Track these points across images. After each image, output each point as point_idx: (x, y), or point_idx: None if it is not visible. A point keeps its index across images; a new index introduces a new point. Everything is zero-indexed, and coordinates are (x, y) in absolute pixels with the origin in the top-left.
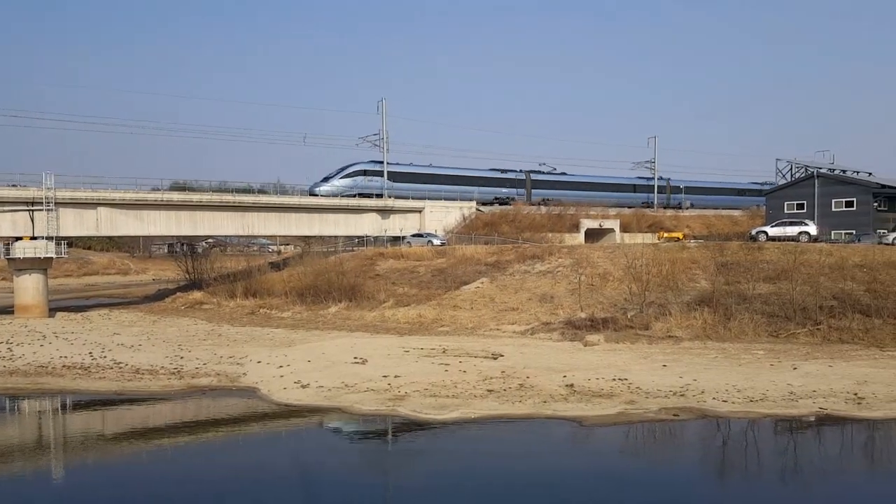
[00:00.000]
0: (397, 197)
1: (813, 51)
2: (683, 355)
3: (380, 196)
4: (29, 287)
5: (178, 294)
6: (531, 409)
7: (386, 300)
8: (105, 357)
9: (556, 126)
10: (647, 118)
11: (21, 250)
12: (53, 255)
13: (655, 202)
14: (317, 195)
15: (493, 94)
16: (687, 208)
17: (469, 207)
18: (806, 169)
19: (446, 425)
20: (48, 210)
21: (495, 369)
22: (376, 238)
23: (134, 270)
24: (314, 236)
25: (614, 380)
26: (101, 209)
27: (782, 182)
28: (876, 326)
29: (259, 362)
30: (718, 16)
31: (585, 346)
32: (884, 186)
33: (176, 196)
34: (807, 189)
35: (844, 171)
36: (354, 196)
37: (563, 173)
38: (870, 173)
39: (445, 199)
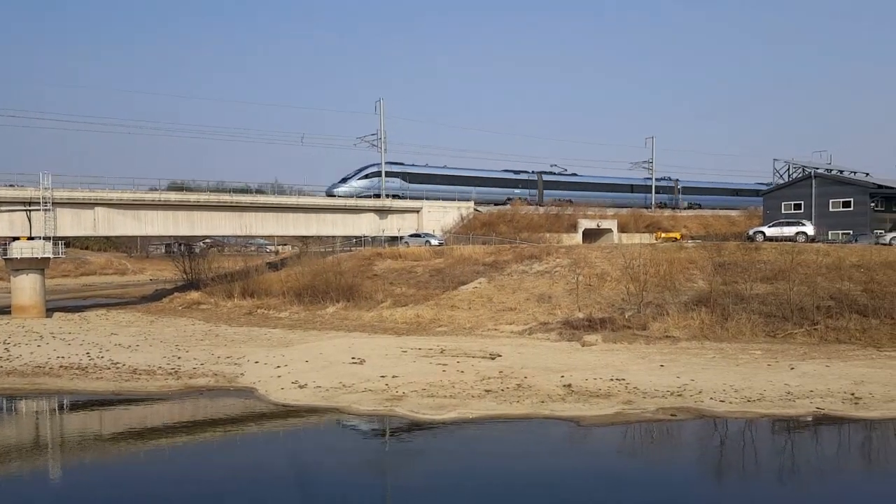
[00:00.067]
0: (413, 197)
1: (813, 51)
2: (681, 355)
3: (395, 196)
4: (26, 287)
5: (175, 294)
6: (529, 409)
7: (384, 300)
8: (102, 357)
9: (556, 126)
10: (647, 118)
11: (18, 250)
12: (51, 256)
13: (653, 202)
14: (335, 196)
15: (493, 94)
16: (697, 209)
17: (467, 207)
18: (803, 169)
19: (444, 425)
20: (45, 210)
21: (493, 369)
22: (374, 238)
23: (131, 270)
24: (312, 236)
25: (612, 380)
26: (98, 209)
27: (779, 182)
28: (873, 326)
29: (256, 362)
30: (718, 16)
31: (583, 346)
32: (881, 187)
33: (173, 196)
34: (804, 189)
35: (841, 172)
36: (371, 196)
37: (574, 174)
38: (867, 173)
39: (459, 199)
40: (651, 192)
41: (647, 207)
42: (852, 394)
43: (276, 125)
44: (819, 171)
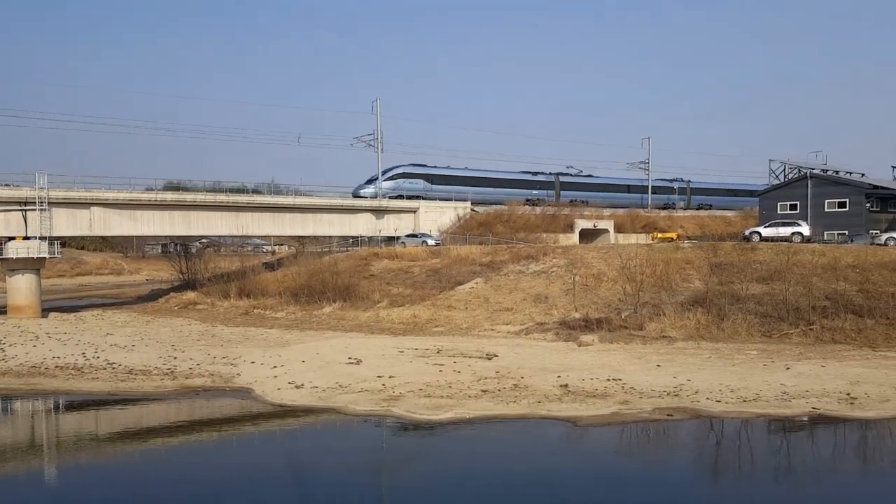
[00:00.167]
0: (437, 198)
1: (812, 51)
2: (677, 355)
3: (419, 197)
4: (22, 287)
5: (171, 294)
6: (526, 409)
7: (380, 300)
8: (98, 357)
9: (556, 126)
10: (647, 118)
11: (14, 250)
12: (46, 256)
13: (650, 202)
14: (362, 196)
15: (493, 94)
16: (708, 209)
17: (464, 208)
18: (799, 170)
19: (441, 425)
20: (41, 210)
21: (490, 369)
22: (371, 238)
23: (127, 270)
24: (308, 236)
25: (608, 380)
26: (94, 209)
27: (775, 182)
28: (868, 327)
29: (253, 363)
30: (718, 16)
31: (580, 346)
32: (876, 187)
33: (170, 196)
34: (800, 190)
35: (837, 172)
36: (396, 198)
37: (590, 175)
38: (862, 174)
39: (478, 201)
40: (671, 194)
41: (666, 207)
42: (848, 394)
43: (276, 125)
44: (815, 171)
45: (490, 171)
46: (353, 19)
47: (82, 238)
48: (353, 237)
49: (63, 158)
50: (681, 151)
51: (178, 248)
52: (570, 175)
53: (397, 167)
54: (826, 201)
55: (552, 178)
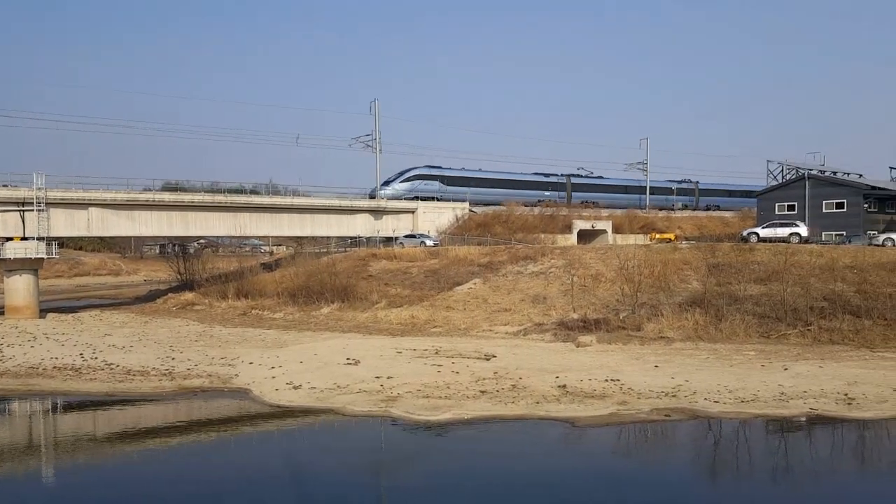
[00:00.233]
0: (452, 199)
1: (812, 51)
2: (675, 356)
3: (433, 198)
4: (19, 288)
5: (169, 295)
6: (524, 409)
7: (378, 301)
8: (96, 358)
9: (556, 126)
10: (647, 118)
11: (11, 251)
12: (44, 256)
13: (647, 203)
14: (380, 198)
15: (493, 94)
16: (715, 209)
17: (462, 208)
18: (797, 170)
19: (439, 426)
20: (39, 210)
21: (488, 370)
22: (369, 239)
23: (125, 271)
24: (306, 237)
25: (606, 381)
26: (92, 209)
27: (773, 183)
28: (866, 327)
29: (251, 363)
30: (718, 16)
31: (578, 346)
32: (874, 188)
33: (168, 196)
34: (798, 190)
35: (835, 173)
36: (413, 199)
37: (600, 177)
38: (860, 175)
39: (491, 202)
40: (682, 196)
41: (679, 208)
42: (845, 394)
43: (274, 126)
44: (812, 172)
45: (503, 172)
46: (352, 19)
47: (80, 239)
48: (351, 238)
49: (62, 159)
50: (680, 152)
51: (177, 248)
52: (581, 176)
53: (413, 169)
54: (824, 202)
55: (563, 180)
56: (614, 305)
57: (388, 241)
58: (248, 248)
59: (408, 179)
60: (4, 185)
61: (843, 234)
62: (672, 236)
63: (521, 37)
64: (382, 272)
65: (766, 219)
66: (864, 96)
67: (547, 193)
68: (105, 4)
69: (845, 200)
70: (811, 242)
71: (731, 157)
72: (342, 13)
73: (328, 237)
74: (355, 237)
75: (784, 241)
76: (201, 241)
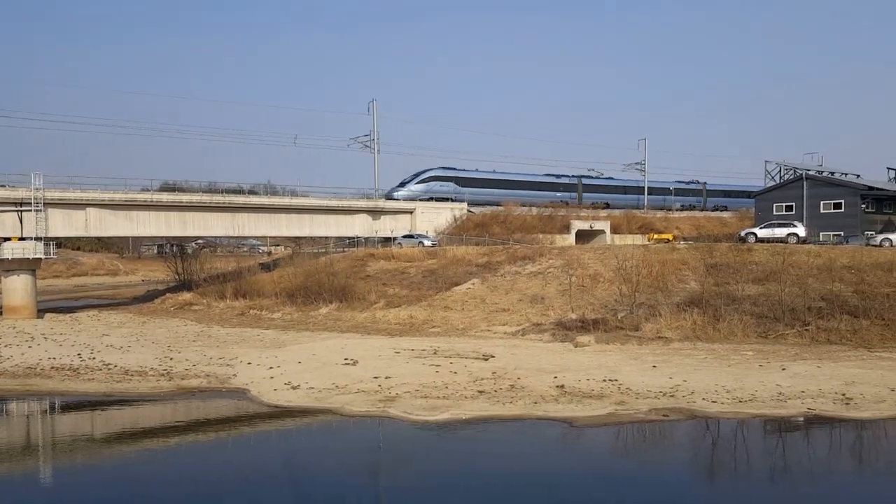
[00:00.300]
0: (466, 201)
1: (813, 51)
2: (673, 356)
3: (448, 199)
4: (17, 288)
5: (167, 295)
6: (522, 409)
7: (377, 301)
8: (94, 358)
9: (556, 126)
10: (647, 119)
11: (9, 251)
12: (42, 256)
13: (646, 203)
14: (395, 199)
15: (493, 94)
16: (723, 210)
17: (460, 209)
18: (795, 171)
19: (437, 426)
20: (37, 210)
21: (486, 370)
22: (367, 239)
23: (123, 271)
24: (305, 237)
25: (605, 381)
26: (90, 210)
27: (771, 184)
28: (863, 327)
29: (249, 363)
30: (718, 16)
31: (576, 346)
32: (871, 188)
33: (165, 196)
34: (795, 191)
35: (832, 173)
36: (427, 200)
37: (611, 178)
38: (857, 175)
39: (505, 202)
40: (693, 196)
41: (690, 209)
42: (843, 394)
43: (274, 126)
44: (810, 172)
45: (516, 173)
46: (352, 19)
47: (78, 239)
48: (349, 238)
49: (61, 159)
50: (680, 152)
51: (175, 248)
52: (592, 178)
53: (428, 170)
54: (822, 202)
55: (575, 181)
56: (612, 305)
57: (387, 241)
58: (246, 249)
59: (423, 181)
60: (2, 186)
61: (840, 235)
62: (670, 236)
63: (521, 37)
64: (381, 272)
65: (764, 219)
66: (863, 96)
67: (558, 194)
68: (104, 4)
69: (843, 201)
70: (809, 243)
71: (731, 157)
72: (341, 13)
73: (326, 237)
74: (353, 237)
75: (782, 242)
76: (199, 241)
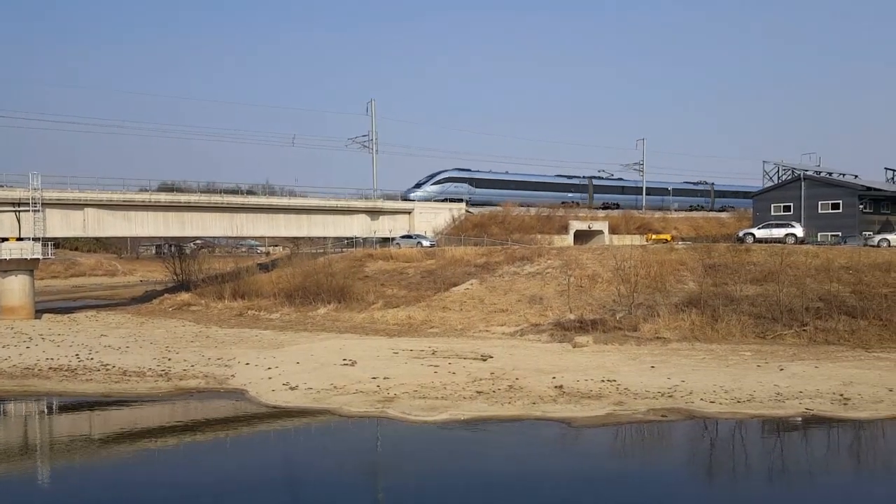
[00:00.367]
0: (480, 203)
1: (813, 51)
2: (671, 356)
3: (461, 200)
4: (15, 288)
5: (165, 295)
6: (520, 410)
7: (375, 301)
8: (92, 359)
9: (556, 126)
10: (647, 119)
11: (7, 251)
12: (40, 257)
13: (644, 204)
14: (411, 200)
15: (492, 94)
16: (731, 210)
17: (458, 209)
18: (792, 171)
19: (435, 426)
20: (35, 211)
21: (485, 371)
22: (365, 239)
23: (121, 272)
24: (303, 237)
25: (603, 381)
26: (88, 210)
27: (769, 184)
28: (861, 328)
29: (247, 364)
30: (718, 15)
31: (574, 347)
32: (869, 189)
33: (164, 197)
34: (793, 191)
35: (830, 174)
36: (442, 201)
37: (621, 179)
38: (855, 175)
39: (517, 203)
40: (702, 197)
41: (699, 209)
42: (841, 394)
43: (272, 126)
44: (808, 173)
45: (528, 174)
46: (352, 19)
47: (76, 239)
48: (347, 238)
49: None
50: (679, 152)
51: (173, 249)
52: (602, 178)
53: (443, 171)
54: (819, 203)
55: (586, 182)
56: (611, 306)
57: (385, 241)
58: (244, 249)
59: (438, 182)
60: (0, 186)
61: (838, 235)
62: (668, 237)
63: (521, 37)
64: (379, 273)
65: (762, 219)
66: (862, 97)
67: (570, 195)
68: (104, 4)
69: (841, 201)
70: (807, 243)
71: (730, 157)
72: (341, 13)
73: (325, 238)
74: (352, 238)
75: (780, 242)
76: (197, 241)
